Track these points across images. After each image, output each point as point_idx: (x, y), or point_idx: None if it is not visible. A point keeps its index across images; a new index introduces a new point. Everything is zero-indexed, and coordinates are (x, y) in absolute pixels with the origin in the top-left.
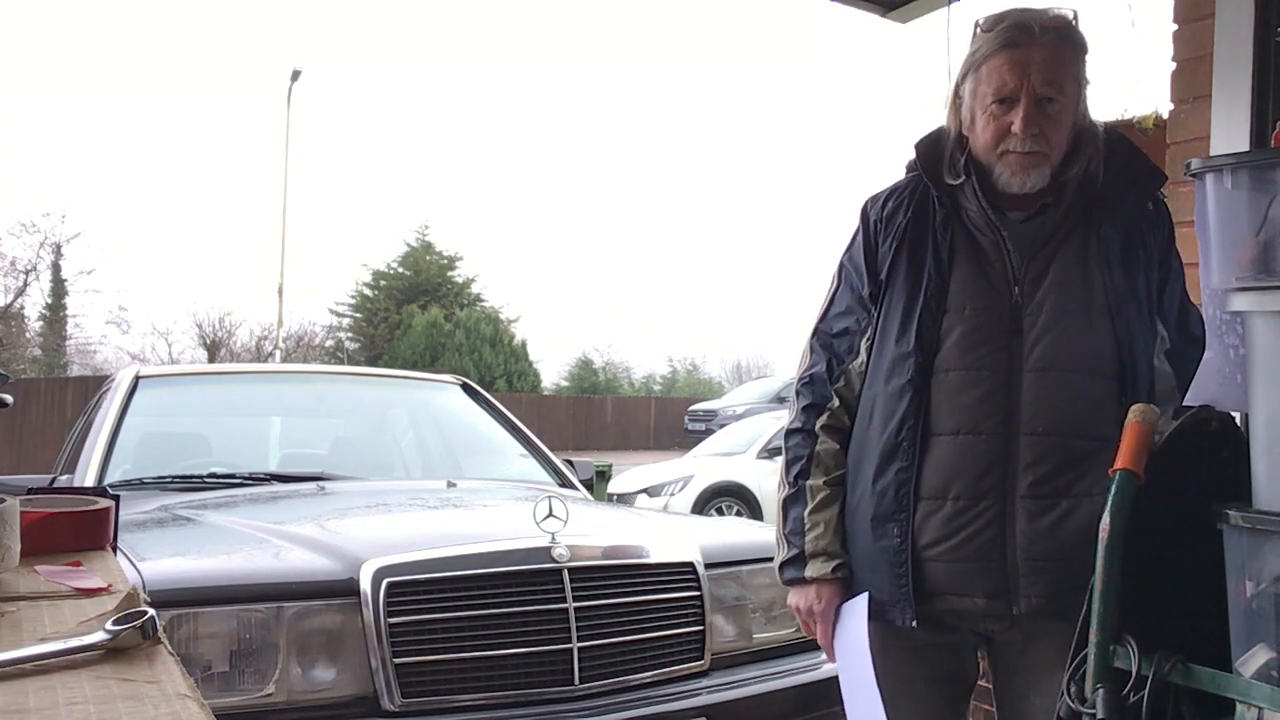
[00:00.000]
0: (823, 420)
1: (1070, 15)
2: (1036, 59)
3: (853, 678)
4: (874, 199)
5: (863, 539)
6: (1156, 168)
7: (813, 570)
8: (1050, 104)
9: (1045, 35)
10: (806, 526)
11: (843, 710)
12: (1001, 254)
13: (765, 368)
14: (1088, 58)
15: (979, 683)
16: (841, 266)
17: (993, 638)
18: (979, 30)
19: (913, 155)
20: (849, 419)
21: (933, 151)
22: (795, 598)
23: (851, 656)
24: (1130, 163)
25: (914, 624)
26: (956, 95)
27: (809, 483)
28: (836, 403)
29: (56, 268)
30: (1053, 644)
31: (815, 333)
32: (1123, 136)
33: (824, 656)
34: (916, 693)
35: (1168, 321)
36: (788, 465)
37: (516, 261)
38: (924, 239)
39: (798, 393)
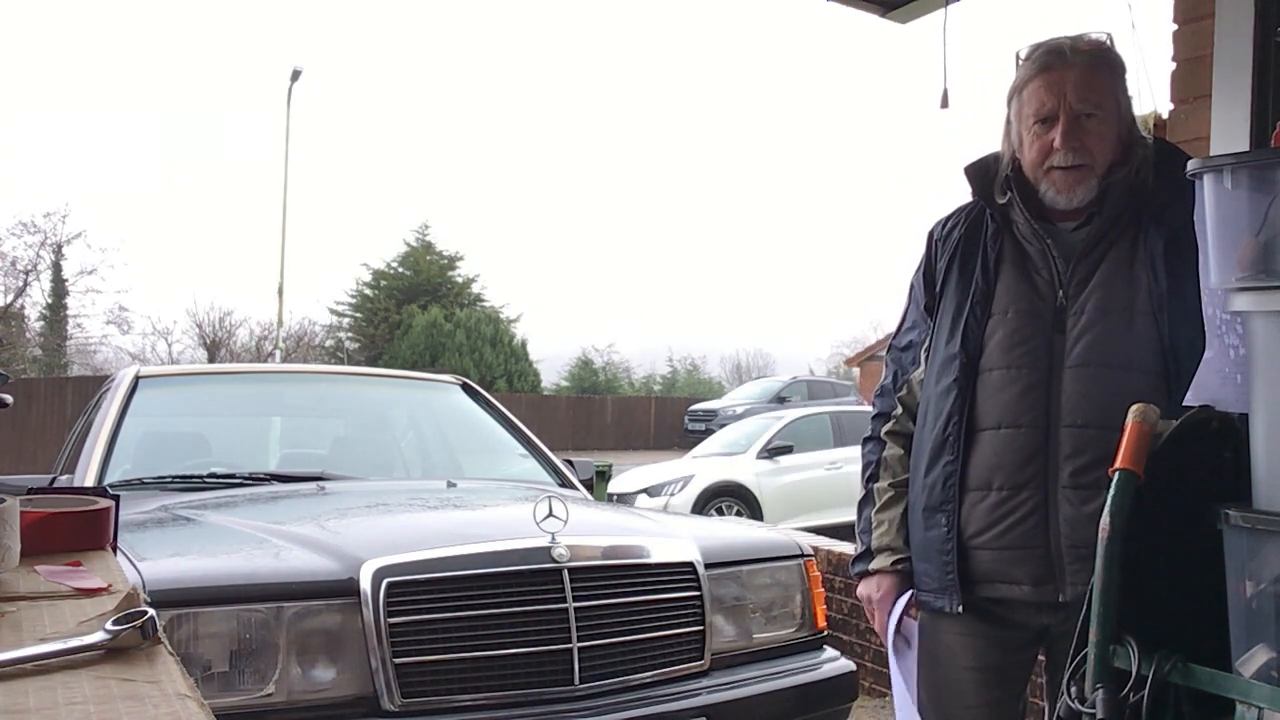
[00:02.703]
0: (888, 427)
1: (1104, 38)
2: (1071, 78)
3: (899, 664)
4: (939, 222)
5: (917, 530)
6: None
7: (876, 564)
8: (1089, 119)
9: (1078, 57)
10: (874, 525)
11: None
12: (1048, 261)
13: (765, 368)
14: (1127, 77)
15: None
16: (910, 286)
17: (1047, 631)
18: (1020, 60)
19: (964, 179)
20: (913, 424)
21: (984, 174)
22: (861, 588)
23: (900, 645)
24: (1181, 169)
25: (960, 609)
26: (1007, 122)
27: (876, 485)
28: (900, 410)
29: (56, 268)
30: None
31: (889, 348)
32: (1174, 146)
33: (824, 656)
34: (961, 680)
35: None
36: (861, 470)
37: (516, 261)
38: (975, 251)
39: (872, 404)
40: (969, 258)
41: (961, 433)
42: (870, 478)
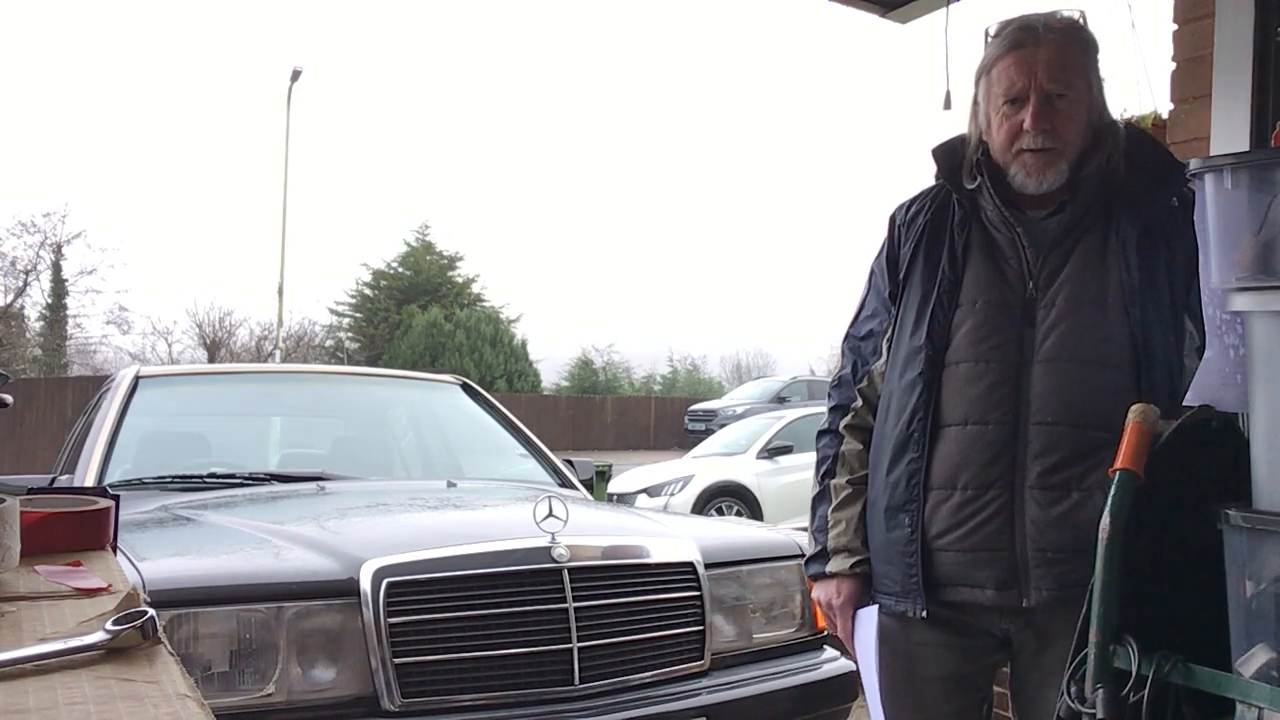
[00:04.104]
0: (847, 420)
1: (1077, 16)
2: (1042, 57)
3: (868, 675)
4: (901, 206)
5: (878, 531)
6: (1181, 164)
7: (833, 566)
8: (1060, 100)
9: (1050, 34)
10: (830, 524)
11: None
12: (1018, 250)
13: (765, 368)
14: (1099, 57)
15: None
16: (871, 273)
17: (1009, 639)
18: (988, 37)
19: (931, 161)
20: (873, 418)
21: (951, 157)
22: (817, 591)
23: (866, 656)
24: (1154, 159)
25: (924, 614)
26: (974, 102)
27: (833, 482)
28: (860, 403)
29: (56, 268)
30: (1067, 646)
31: (846, 337)
32: (1146, 134)
33: (824, 656)
34: (924, 691)
35: (1197, 319)
36: (816, 465)
37: (517, 261)
38: (941, 238)
39: (828, 395)
40: (935, 245)
41: (927, 429)
42: (826, 473)
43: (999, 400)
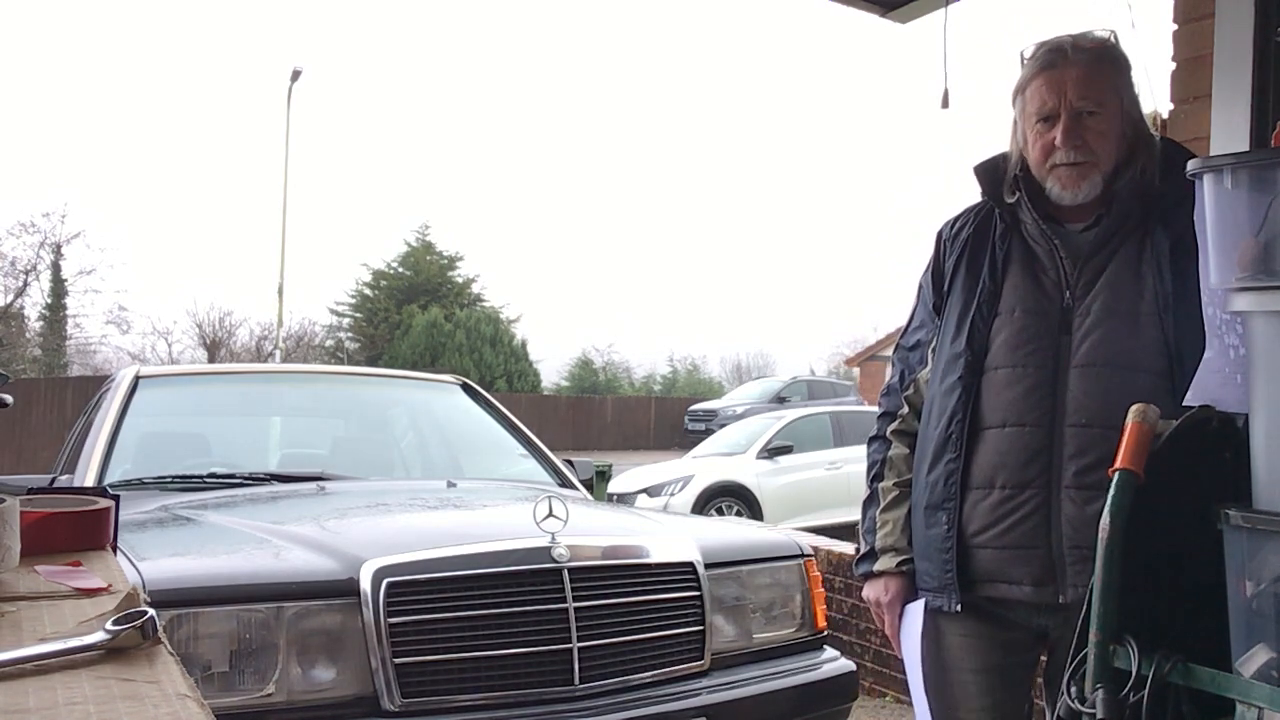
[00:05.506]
0: (894, 426)
1: (1108, 35)
2: (1071, 76)
3: (914, 670)
4: (948, 222)
5: (919, 529)
6: None
7: (881, 565)
8: (1091, 117)
9: (1079, 54)
10: (878, 525)
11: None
12: (1055, 261)
13: (765, 368)
14: (1131, 73)
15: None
16: (919, 286)
17: (1047, 633)
18: (1023, 59)
19: (974, 179)
20: (918, 423)
21: (993, 174)
22: (867, 590)
23: (911, 651)
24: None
25: (958, 608)
26: (1014, 121)
27: (881, 485)
28: (906, 409)
29: (56, 268)
30: None
31: (896, 348)
32: (1181, 145)
33: (824, 656)
34: (965, 683)
35: None
36: (867, 469)
37: (517, 261)
38: (983, 251)
39: (878, 403)
40: (977, 257)
41: (964, 431)
42: (875, 477)
43: (1036, 403)
